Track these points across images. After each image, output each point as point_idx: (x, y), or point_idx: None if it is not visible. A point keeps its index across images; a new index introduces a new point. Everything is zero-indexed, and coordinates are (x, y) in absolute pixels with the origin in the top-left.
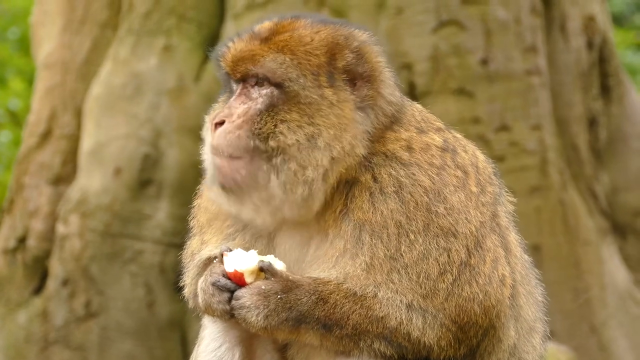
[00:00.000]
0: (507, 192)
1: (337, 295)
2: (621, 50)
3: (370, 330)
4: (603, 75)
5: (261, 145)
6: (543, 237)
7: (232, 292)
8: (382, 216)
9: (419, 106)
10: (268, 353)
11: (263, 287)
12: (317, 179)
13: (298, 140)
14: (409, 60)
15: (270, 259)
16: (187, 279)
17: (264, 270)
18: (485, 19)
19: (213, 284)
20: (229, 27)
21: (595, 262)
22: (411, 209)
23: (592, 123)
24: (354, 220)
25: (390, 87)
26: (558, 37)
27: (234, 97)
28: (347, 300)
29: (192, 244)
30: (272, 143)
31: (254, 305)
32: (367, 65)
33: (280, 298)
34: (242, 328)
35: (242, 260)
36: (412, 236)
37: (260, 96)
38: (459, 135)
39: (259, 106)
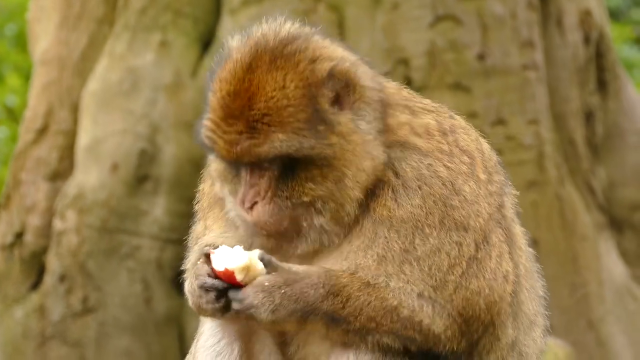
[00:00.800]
0: (510, 183)
1: (351, 288)
2: (618, 45)
3: (383, 322)
4: (600, 70)
5: (298, 203)
6: (540, 232)
7: (220, 290)
8: (405, 211)
9: (388, 83)
10: (267, 348)
11: (266, 283)
12: (354, 207)
13: (328, 188)
14: (406, 55)
15: (256, 253)
16: (188, 264)
17: (265, 265)
18: (481, 13)
19: (200, 287)
20: (225, 23)
21: (592, 257)
22: (431, 202)
23: (588, 118)
24: (375, 217)
25: (366, 71)
26: (554, 32)
27: (247, 174)
28: (361, 293)
29: (197, 228)
30: (306, 199)
31: (260, 302)
32: (342, 78)
33: (284, 292)
34: (241, 323)
35: (230, 258)
36: (427, 230)
37: (275, 168)
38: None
39: (278, 175)
